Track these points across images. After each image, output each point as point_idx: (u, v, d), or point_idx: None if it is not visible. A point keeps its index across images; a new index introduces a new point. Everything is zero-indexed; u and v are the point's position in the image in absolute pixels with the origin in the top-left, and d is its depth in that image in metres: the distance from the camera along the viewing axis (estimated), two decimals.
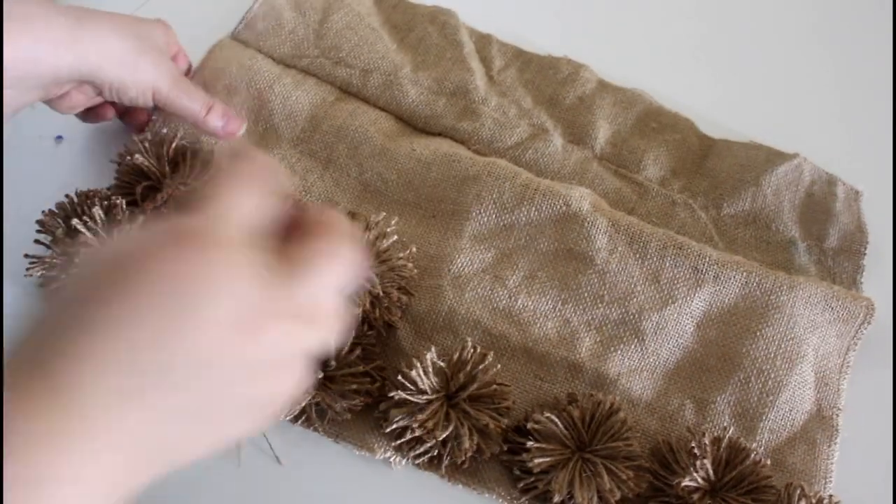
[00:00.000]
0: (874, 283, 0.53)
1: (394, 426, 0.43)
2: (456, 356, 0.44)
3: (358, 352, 0.45)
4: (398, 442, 0.44)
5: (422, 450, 0.44)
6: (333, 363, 0.44)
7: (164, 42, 0.51)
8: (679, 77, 0.63)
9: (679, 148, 0.58)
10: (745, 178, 0.56)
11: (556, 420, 0.43)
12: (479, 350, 0.45)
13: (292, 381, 0.26)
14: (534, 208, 0.51)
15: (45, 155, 0.55)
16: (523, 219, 0.51)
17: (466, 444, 0.43)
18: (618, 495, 0.42)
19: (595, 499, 0.42)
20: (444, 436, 0.43)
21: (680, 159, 0.58)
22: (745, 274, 0.49)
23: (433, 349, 0.44)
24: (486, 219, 0.51)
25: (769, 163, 0.57)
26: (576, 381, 0.48)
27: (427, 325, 0.48)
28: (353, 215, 0.50)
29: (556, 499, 0.43)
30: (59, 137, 0.56)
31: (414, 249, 0.49)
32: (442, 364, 0.44)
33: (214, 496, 0.44)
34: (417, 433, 0.43)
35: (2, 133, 0.36)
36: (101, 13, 0.46)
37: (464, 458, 0.43)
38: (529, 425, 0.44)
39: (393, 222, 0.49)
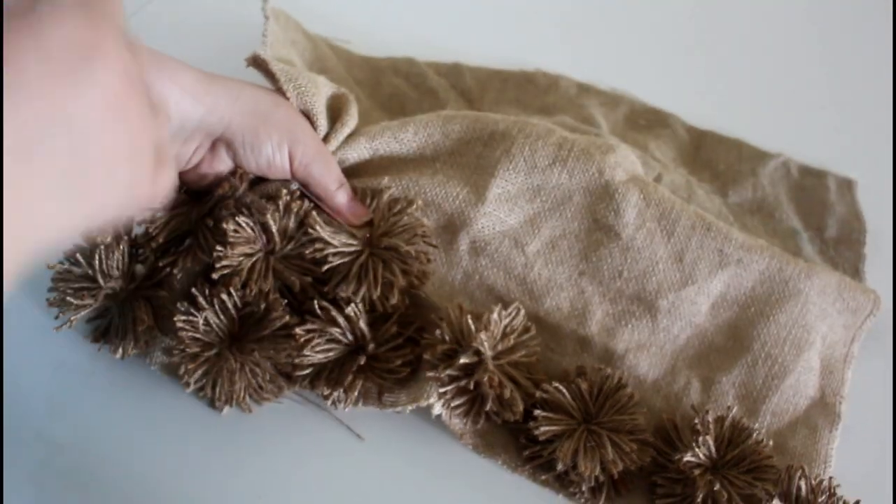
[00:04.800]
0: (874, 273, 0.55)
1: (450, 386, 0.43)
2: (506, 321, 0.44)
3: (394, 328, 0.45)
4: (445, 389, 0.43)
5: (463, 400, 0.44)
6: (372, 345, 0.45)
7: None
8: (655, 75, 0.64)
9: (672, 141, 0.59)
10: (742, 169, 0.58)
11: (565, 391, 0.44)
12: (524, 319, 0.45)
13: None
14: (565, 172, 0.49)
15: None
16: (553, 181, 0.49)
17: (508, 394, 0.43)
18: (620, 466, 0.43)
19: (598, 469, 0.43)
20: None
21: (677, 150, 0.59)
22: (767, 259, 0.49)
23: (499, 308, 0.43)
24: (514, 178, 0.49)
25: (758, 158, 0.58)
26: (584, 354, 0.48)
27: (445, 288, 0.48)
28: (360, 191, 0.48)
29: (560, 467, 0.44)
30: None
31: (420, 202, 0.47)
32: (500, 324, 0.44)
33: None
34: (468, 387, 0.43)
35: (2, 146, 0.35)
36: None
37: (496, 410, 0.43)
38: (538, 394, 0.45)
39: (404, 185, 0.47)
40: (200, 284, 0.44)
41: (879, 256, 0.56)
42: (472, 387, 0.43)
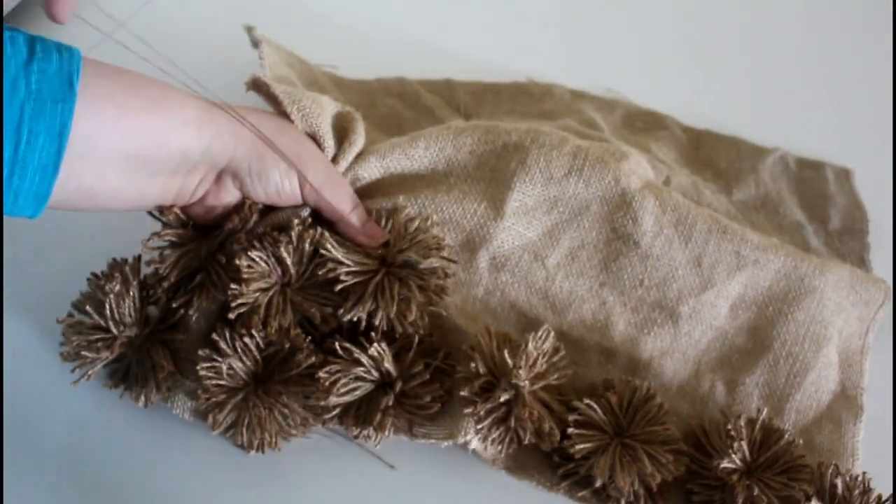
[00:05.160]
0: (875, 262, 0.56)
1: (487, 421, 0.42)
2: (538, 344, 0.44)
3: (420, 366, 0.44)
4: (481, 426, 0.43)
5: (500, 431, 0.43)
6: (400, 383, 0.44)
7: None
8: (644, 77, 0.64)
9: (672, 142, 0.59)
10: (743, 166, 0.58)
11: (596, 407, 0.44)
12: (554, 341, 0.44)
13: None
14: (581, 181, 0.48)
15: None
16: (569, 191, 0.48)
17: (547, 428, 0.43)
18: (658, 479, 0.43)
19: (636, 482, 0.43)
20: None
21: (678, 151, 0.59)
22: (782, 258, 0.49)
23: (533, 336, 0.43)
24: (531, 189, 0.48)
25: (757, 154, 0.59)
26: (609, 364, 0.48)
27: (467, 307, 0.47)
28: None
29: (598, 483, 0.43)
30: None
31: (435, 217, 0.46)
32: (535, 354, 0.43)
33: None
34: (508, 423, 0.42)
35: (2, 147, 0.33)
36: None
37: (534, 441, 0.43)
38: (570, 418, 0.44)
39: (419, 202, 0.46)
40: (220, 329, 0.43)
41: (879, 245, 0.57)
42: (512, 423, 0.42)
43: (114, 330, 0.43)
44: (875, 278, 0.51)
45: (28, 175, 0.34)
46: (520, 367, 0.42)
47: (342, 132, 0.47)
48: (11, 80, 0.33)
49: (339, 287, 0.43)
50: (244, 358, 0.43)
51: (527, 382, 0.42)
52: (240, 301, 0.42)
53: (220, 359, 0.42)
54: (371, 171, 0.48)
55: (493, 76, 0.63)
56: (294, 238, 0.43)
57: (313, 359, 0.43)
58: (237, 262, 0.42)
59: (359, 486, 0.44)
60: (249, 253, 0.42)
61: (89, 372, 0.43)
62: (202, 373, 0.42)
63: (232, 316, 0.42)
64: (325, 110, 0.46)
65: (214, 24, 0.59)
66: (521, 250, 0.48)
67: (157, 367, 0.43)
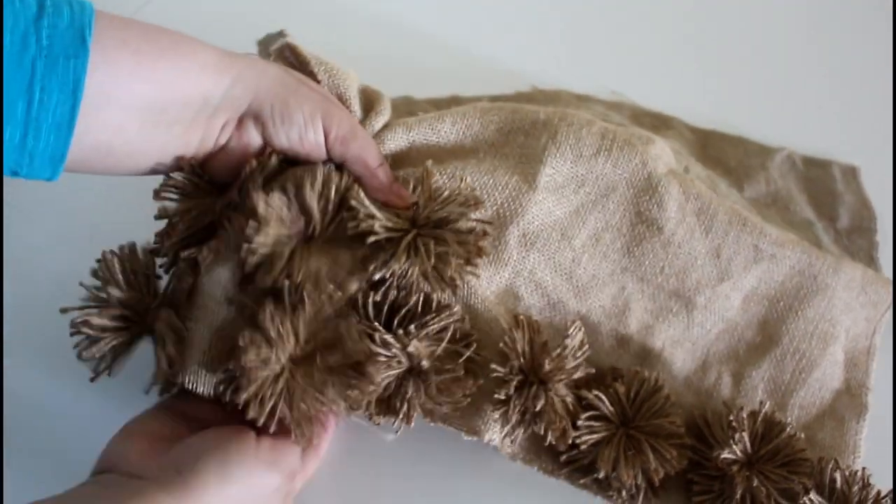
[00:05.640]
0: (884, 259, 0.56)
1: (513, 421, 0.43)
2: (573, 343, 0.44)
3: (454, 362, 0.42)
4: (507, 426, 0.43)
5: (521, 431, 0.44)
6: (433, 376, 0.41)
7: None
8: (648, 79, 0.64)
9: (680, 140, 0.60)
10: (752, 164, 0.58)
11: (604, 398, 0.44)
12: (581, 338, 0.45)
13: None
14: (609, 162, 0.47)
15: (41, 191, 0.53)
16: (597, 171, 0.47)
17: (570, 438, 0.43)
18: (661, 474, 0.43)
19: (639, 476, 0.44)
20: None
21: (687, 149, 0.59)
22: (798, 254, 0.49)
23: (568, 341, 0.43)
24: (561, 166, 0.47)
25: (764, 153, 0.59)
26: (621, 350, 0.48)
27: (492, 285, 0.46)
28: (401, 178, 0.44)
29: (601, 475, 0.44)
30: None
31: (469, 180, 0.44)
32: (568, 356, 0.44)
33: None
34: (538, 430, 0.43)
35: (2, 140, 0.32)
36: None
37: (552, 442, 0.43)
38: (583, 402, 0.44)
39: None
40: (271, 311, 0.37)
41: (884, 243, 0.57)
42: (541, 429, 0.42)
43: (117, 294, 0.41)
44: (884, 279, 0.51)
45: (42, 135, 0.33)
46: (557, 371, 0.42)
47: (368, 104, 0.46)
48: (21, 36, 0.31)
49: (371, 240, 0.39)
50: (286, 343, 0.37)
51: (560, 385, 0.42)
52: (259, 240, 0.37)
53: (266, 345, 0.37)
54: (397, 141, 0.46)
55: (497, 81, 0.62)
56: (319, 180, 0.39)
57: (367, 349, 0.39)
58: (253, 199, 0.38)
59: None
60: (269, 194, 0.38)
61: (98, 353, 0.41)
62: (247, 364, 0.36)
63: (251, 260, 0.38)
64: (351, 78, 0.45)
65: (214, 24, 0.58)
66: (550, 228, 0.47)
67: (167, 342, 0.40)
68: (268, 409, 0.37)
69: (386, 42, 0.64)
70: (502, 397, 0.42)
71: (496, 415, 0.43)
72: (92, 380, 0.42)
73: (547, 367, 0.42)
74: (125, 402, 0.44)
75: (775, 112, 0.62)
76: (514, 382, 0.42)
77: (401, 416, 0.41)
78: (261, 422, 0.37)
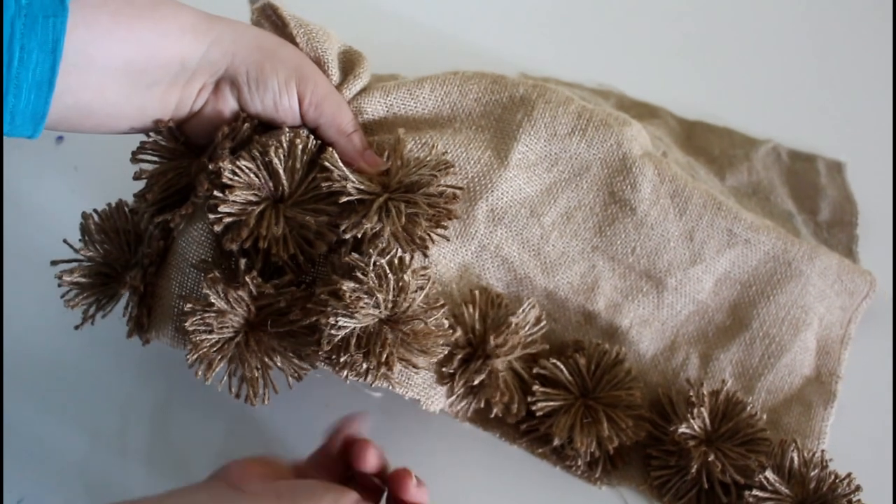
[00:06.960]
0: (869, 253, 0.55)
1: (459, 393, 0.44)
2: (523, 318, 0.45)
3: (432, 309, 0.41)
4: (452, 398, 0.44)
5: (469, 402, 0.45)
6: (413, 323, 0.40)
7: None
8: (636, 70, 0.64)
9: (665, 129, 0.60)
10: (736, 154, 0.59)
11: (562, 367, 0.45)
12: (537, 311, 0.46)
13: None
14: (584, 142, 0.47)
15: (45, 154, 0.56)
16: (571, 150, 0.47)
17: (514, 409, 0.44)
18: (616, 442, 0.44)
19: (594, 444, 0.44)
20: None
21: (671, 138, 0.59)
22: (773, 240, 0.49)
23: (518, 313, 0.44)
24: (534, 144, 0.47)
25: (749, 144, 0.59)
26: (588, 326, 0.48)
27: (458, 257, 0.47)
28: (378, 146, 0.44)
29: (556, 442, 0.44)
30: (60, 138, 0.56)
31: (440, 147, 0.44)
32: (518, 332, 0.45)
33: None
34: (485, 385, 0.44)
35: (1, 132, 0.34)
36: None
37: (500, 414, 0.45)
38: (535, 370, 0.46)
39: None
40: (213, 280, 0.39)
41: (873, 237, 0.56)
42: (482, 401, 0.43)
43: (97, 250, 0.43)
44: (862, 270, 0.51)
45: (23, 94, 0.34)
46: (501, 346, 0.43)
47: (348, 66, 0.47)
48: None
49: (343, 200, 0.40)
50: (237, 308, 0.39)
51: (504, 360, 0.43)
52: (223, 210, 0.39)
53: (210, 312, 0.39)
54: (375, 106, 0.46)
55: (485, 69, 0.63)
56: (285, 143, 0.40)
57: (307, 320, 0.39)
58: (220, 165, 0.39)
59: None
60: (237, 161, 0.39)
61: (84, 304, 0.43)
62: (190, 328, 0.39)
63: (217, 228, 0.39)
64: (331, 40, 0.45)
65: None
66: (518, 205, 0.47)
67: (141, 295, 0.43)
68: (214, 372, 0.39)
69: (373, 27, 0.65)
70: (446, 370, 0.43)
71: (443, 388, 0.44)
72: (76, 328, 0.44)
73: (492, 342, 0.43)
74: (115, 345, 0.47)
75: (765, 106, 0.62)
76: (460, 356, 0.43)
77: (382, 360, 0.39)
78: (207, 382, 0.39)
